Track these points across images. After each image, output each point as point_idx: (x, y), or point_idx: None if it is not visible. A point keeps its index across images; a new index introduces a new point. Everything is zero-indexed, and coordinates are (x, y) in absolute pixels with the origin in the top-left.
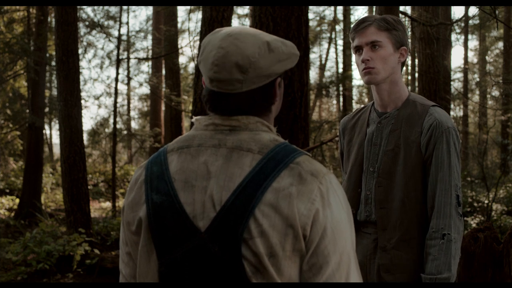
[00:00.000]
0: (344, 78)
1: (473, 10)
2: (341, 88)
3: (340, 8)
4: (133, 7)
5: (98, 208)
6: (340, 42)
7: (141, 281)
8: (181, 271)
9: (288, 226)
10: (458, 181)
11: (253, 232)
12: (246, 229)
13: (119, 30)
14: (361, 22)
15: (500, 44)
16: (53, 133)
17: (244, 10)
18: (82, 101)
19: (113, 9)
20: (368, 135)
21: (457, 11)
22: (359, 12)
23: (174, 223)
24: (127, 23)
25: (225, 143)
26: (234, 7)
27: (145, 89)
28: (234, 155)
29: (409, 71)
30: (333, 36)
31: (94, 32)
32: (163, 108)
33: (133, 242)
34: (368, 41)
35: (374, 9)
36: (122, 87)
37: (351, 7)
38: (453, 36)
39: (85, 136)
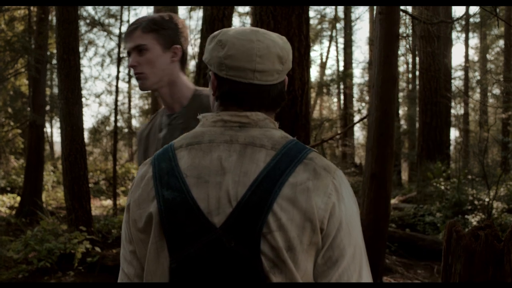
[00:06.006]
0: (345, 76)
1: (474, 8)
2: (341, 86)
3: (341, 6)
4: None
5: (99, 206)
6: (341, 40)
7: (148, 279)
8: (194, 267)
9: (306, 219)
10: None
11: (272, 226)
12: (265, 224)
13: (120, 28)
14: (130, 25)
15: (501, 42)
16: (54, 131)
17: (245, 8)
18: (83, 99)
19: (114, 7)
20: (162, 140)
21: (458, 9)
22: (360, 10)
23: (188, 219)
24: (128, 21)
25: (237, 139)
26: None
27: None
28: (248, 151)
29: (410, 69)
30: (334, 34)
31: (95, 30)
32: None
33: (139, 240)
34: (134, 45)
35: (375, 8)
36: (123, 85)
37: None
38: (454, 34)
39: (86, 134)
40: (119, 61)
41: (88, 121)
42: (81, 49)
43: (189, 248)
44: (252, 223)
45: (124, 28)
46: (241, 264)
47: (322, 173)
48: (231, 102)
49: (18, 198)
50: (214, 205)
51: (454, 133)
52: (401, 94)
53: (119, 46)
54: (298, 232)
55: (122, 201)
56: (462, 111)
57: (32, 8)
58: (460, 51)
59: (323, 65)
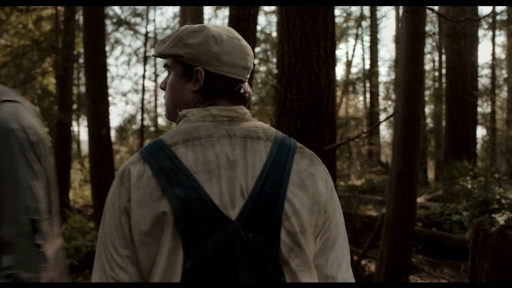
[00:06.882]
0: (371, 74)
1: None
2: (367, 85)
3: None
4: None
5: None
6: (366, 38)
7: (157, 280)
8: (210, 263)
9: (314, 203)
10: (34, 200)
11: (288, 212)
12: (284, 211)
13: (146, 27)
14: None
15: None
16: (81, 129)
17: (270, 7)
18: (110, 98)
19: (140, 6)
20: None
21: (484, 7)
22: (386, 8)
23: (203, 216)
24: (154, 20)
25: (234, 132)
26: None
27: None
28: (248, 143)
29: (436, 67)
30: (359, 32)
31: (121, 29)
32: None
33: (141, 243)
34: None
35: (400, 8)
36: (149, 84)
37: None
38: (480, 32)
39: (112, 133)
40: (145, 60)
41: (115, 119)
42: (107, 48)
43: (205, 244)
44: (270, 212)
45: (150, 27)
46: (259, 254)
47: (315, 160)
48: (222, 97)
49: None
50: (228, 199)
51: (480, 132)
52: (427, 92)
53: (145, 45)
54: (308, 216)
55: None
56: (489, 109)
57: (59, 7)
58: (487, 48)
59: (348, 64)
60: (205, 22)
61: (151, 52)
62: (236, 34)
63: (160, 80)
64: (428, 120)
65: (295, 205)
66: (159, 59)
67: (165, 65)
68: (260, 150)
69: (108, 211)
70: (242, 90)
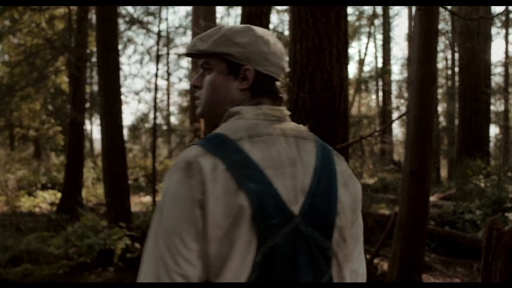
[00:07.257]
0: (384, 72)
1: None
2: (380, 83)
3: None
4: None
5: (139, 202)
6: (379, 36)
7: (228, 277)
8: (278, 257)
9: (353, 202)
10: None
11: (339, 209)
12: (337, 208)
13: (158, 26)
14: None
15: None
16: (93, 128)
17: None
18: (122, 97)
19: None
20: None
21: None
22: (398, 7)
23: (274, 210)
24: (167, 19)
25: (285, 132)
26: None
27: (185, 85)
28: (299, 142)
29: (449, 65)
30: (372, 30)
31: (134, 27)
32: None
33: (215, 236)
34: None
35: (413, 8)
36: (161, 83)
37: None
38: (494, 30)
39: (125, 131)
40: (158, 58)
41: (128, 118)
42: (120, 46)
43: (274, 238)
44: (326, 208)
45: (163, 26)
46: (315, 247)
47: (346, 163)
48: (267, 97)
49: (59, 195)
50: (291, 195)
51: (494, 130)
52: (440, 91)
53: (158, 43)
54: (349, 213)
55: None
56: (502, 108)
57: (72, 6)
58: (500, 47)
59: (361, 62)
60: (218, 20)
61: (164, 50)
62: (274, 36)
63: (172, 78)
64: (441, 119)
65: (343, 202)
66: (171, 58)
67: (205, 63)
68: (310, 150)
69: (172, 204)
70: (281, 90)
